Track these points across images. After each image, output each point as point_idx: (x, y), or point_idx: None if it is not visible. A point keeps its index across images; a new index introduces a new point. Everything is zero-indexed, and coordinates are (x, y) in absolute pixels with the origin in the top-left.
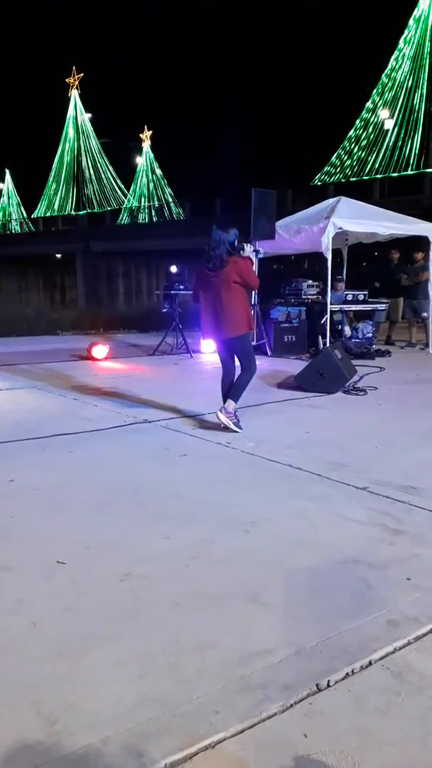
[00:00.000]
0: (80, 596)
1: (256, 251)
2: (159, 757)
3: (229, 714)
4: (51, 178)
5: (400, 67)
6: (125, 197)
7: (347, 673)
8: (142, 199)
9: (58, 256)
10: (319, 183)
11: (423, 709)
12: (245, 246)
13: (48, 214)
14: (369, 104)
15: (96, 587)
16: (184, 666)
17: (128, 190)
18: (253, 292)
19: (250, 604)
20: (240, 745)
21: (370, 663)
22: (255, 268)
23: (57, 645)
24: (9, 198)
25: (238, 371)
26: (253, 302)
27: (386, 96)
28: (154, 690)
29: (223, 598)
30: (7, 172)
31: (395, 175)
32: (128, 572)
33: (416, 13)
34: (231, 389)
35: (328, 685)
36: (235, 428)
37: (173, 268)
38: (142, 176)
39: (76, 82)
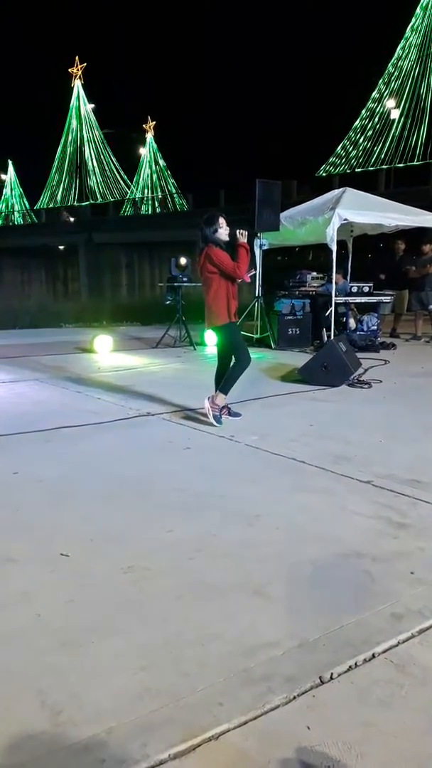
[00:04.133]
0: (84, 588)
1: (257, 240)
2: (162, 748)
3: (233, 706)
4: (54, 169)
5: (407, 56)
6: (128, 188)
7: (350, 666)
8: (146, 191)
9: (61, 247)
10: (324, 174)
11: (426, 702)
12: (238, 233)
13: (51, 205)
14: (375, 94)
15: (100, 579)
16: (188, 658)
17: (131, 181)
18: (257, 284)
19: (253, 596)
20: (243, 737)
21: (373, 656)
22: (258, 259)
23: (61, 636)
24: (12, 189)
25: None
26: (257, 294)
27: (392, 85)
28: (157, 681)
29: (227, 591)
30: (10, 162)
31: (401, 165)
32: (132, 564)
33: (423, 0)
34: (222, 381)
35: (332, 678)
36: (213, 421)
37: (183, 260)
38: (145, 167)
39: (80, 72)
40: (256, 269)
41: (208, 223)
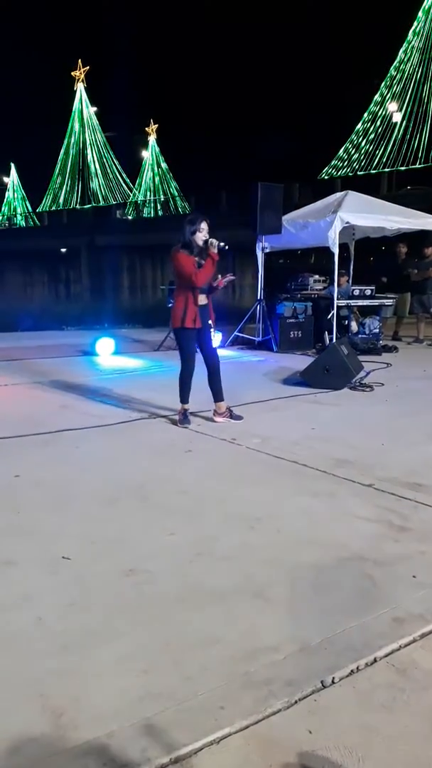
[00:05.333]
0: (85, 591)
1: (259, 243)
2: (164, 752)
3: (234, 710)
4: (56, 172)
5: (409, 59)
6: (131, 191)
7: (352, 670)
8: (148, 193)
9: (63, 250)
10: (326, 177)
11: (428, 706)
12: (210, 242)
13: (53, 208)
14: (377, 97)
15: (101, 582)
16: (189, 661)
17: (134, 183)
18: (259, 287)
19: (254, 600)
20: (244, 741)
21: (375, 660)
22: (260, 262)
23: (62, 639)
24: (14, 192)
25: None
26: (258, 297)
27: (395, 88)
28: (158, 685)
29: (228, 595)
30: (12, 166)
31: (403, 168)
32: (133, 568)
33: (426, 4)
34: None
35: (333, 682)
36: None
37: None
38: (147, 170)
39: (82, 76)
40: (233, 275)
41: (190, 222)
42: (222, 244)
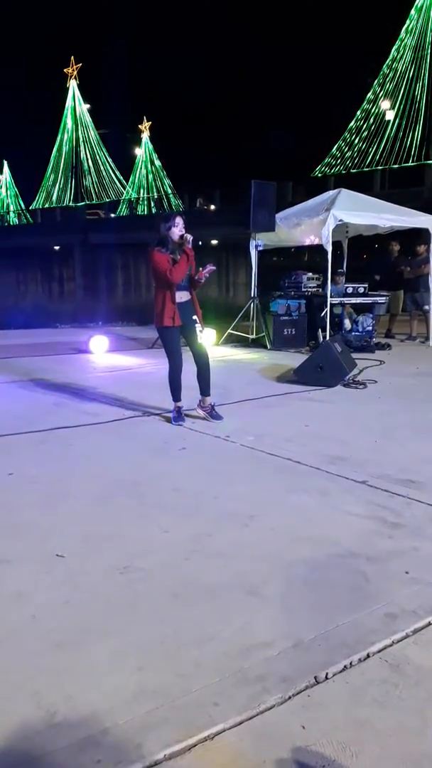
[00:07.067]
0: (79, 589)
1: (252, 241)
2: (158, 748)
3: (228, 706)
4: (49, 170)
5: (401, 57)
6: (124, 189)
7: (345, 666)
8: (141, 191)
9: (57, 248)
10: (319, 175)
11: (420, 701)
12: (185, 236)
13: (46, 206)
14: (370, 95)
15: (95, 580)
16: (183, 658)
17: (127, 181)
18: (253, 284)
19: (248, 597)
20: (238, 737)
21: (368, 656)
22: (253, 260)
23: (56, 637)
24: (7, 189)
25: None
26: (252, 295)
27: (387, 87)
28: (153, 682)
29: (222, 591)
30: (5, 163)
31: (396, 166)
32: (127, 565)
33: (418, 2)
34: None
35: (327, 678)
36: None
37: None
38: (141, 167)
39: (75, 73)
40: (214, 266)
41: (165, 219)
42: (190, 236)
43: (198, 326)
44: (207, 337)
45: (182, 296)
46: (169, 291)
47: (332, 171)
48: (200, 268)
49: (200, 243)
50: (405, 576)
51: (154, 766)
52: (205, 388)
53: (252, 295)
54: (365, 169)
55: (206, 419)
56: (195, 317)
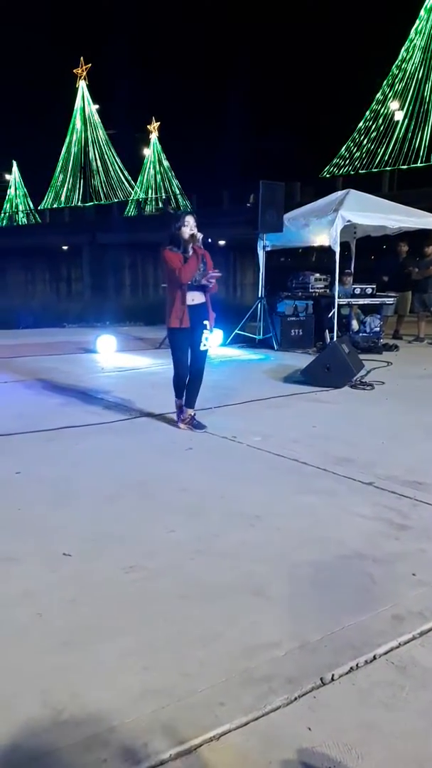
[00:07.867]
0: (86, 588)
1: (260, 241)
2: (164, 748)
3: (234, 706)
4: (58, 170)
5: (410, 58)
6: (132, 189)
7: (351, 667)
8: (149, 191)
9: (65, 247)
10: (327, 175)
11: (427, 704)
12: (197, 235)
13: (55, 206)
14: (379, 96)
15: (101, 579)
16: (189, 658)
17: (135, 181)
18: (260, 285)
19: (254, 597)
20: (244, 738)
21: (374, 657)
22: (261, 260)
23: (63, 636)
24: (16, 189)
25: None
26: (259, 295)
27: (396, 87)
28: (159, 681)
29: (228, 592)
30: (14, 163)
31: (405, 167)
32: (134, 565)
33: (428, 3)
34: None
35: (333, 679)
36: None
37: None
38: (149, 168)
39: (84, 73)
40: (218, 272)
41: (175, 219)
42: (200, 235)
43: (205, 333)
44: (215, 339)
45: (194, 297)
46: (179, 291)
47: (341, 172)
48: (208, 272)
49: (209, 240)
50: (412, 578)
51: (160, 765)
52: (190, 400)
53: (259, 295)
54: (374, 170)
55: (190, 429)
56: (206, 322)
